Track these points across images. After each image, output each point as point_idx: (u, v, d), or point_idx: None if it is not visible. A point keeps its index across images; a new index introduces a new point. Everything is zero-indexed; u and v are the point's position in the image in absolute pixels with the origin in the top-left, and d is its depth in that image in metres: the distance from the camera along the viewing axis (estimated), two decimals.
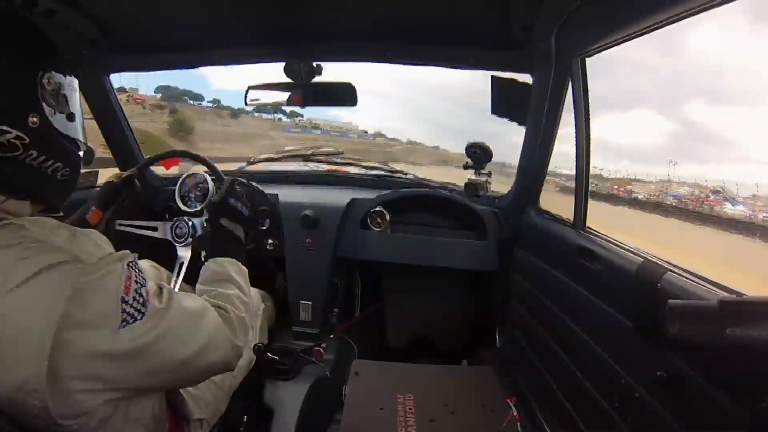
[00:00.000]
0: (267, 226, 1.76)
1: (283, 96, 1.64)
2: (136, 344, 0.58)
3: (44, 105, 0.63)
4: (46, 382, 0.51)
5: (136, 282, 0.60)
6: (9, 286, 0.51)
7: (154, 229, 1.48)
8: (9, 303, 0.51)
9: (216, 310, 0.76)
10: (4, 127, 0.58)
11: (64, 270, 0.54)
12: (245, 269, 0.94)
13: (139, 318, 0.59)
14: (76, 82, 0.71)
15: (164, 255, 1.47)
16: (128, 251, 0.64)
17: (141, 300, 0.60)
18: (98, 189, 1.23)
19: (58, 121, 0.65)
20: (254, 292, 1.52)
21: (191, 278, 1.39)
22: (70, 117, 0.67)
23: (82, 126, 0.71)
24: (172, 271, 1.43)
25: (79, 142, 0.70)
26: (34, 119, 0.61)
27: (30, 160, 0.61)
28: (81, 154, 0.71)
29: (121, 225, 1.45)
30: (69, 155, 0.68)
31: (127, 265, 0.61)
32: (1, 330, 0.51)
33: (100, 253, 0.59)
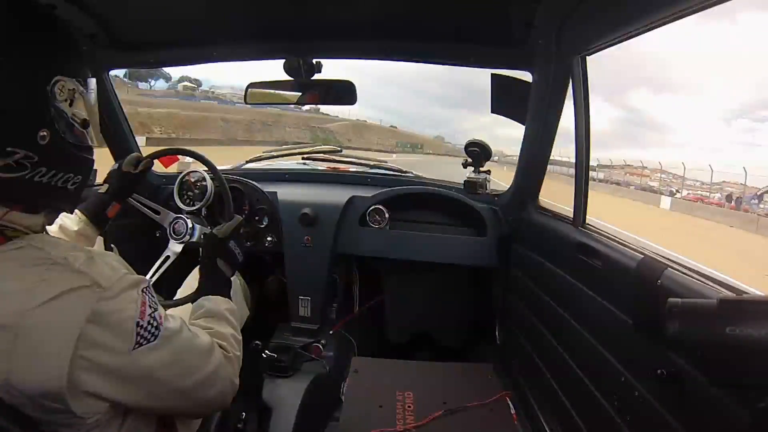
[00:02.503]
0: (265, 224, 1.76)
1: (282, 94, 1.64)
2: (147, 365, 0.60)
3: (56, 117, 0.58)
4: (66, 392, 0.54)
5: (150, 307, 0.62)
6: (33, 304, 0.53)
7: (157, 212, 1.49)
8: (32, 319, 0.53)
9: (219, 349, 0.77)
10: (11, 149, 0.54)
11: (84, 294, 0.55)
12: (236, 308, 0.93)
13: (152, 340, 0.61)
14: (93, 82, 0.66)
15: (153, 243, 1.51)
16: (143, 277, 0.64)
17: (155, 324, 0.62)
18: (111, 180, 1.18)
19: (70, 131, 0.61)
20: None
21: (170, 277, 1.42)
22: (85, 124, 0.63)
23: (97, 127, 0.67)
24: (154, 259, 1.45)
25: (93, 146, 0.66)
26: (44, 134, 0.56)
27: (39, 177, 0.58)
28: (94, 158, 0.67)
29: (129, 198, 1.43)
30: (81, 164, 0.64)
31: (142, 291, 0.62)
32: (24, 343, 0.52)
33: (116, 275, 0.59)
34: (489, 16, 1.27)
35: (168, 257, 1.45)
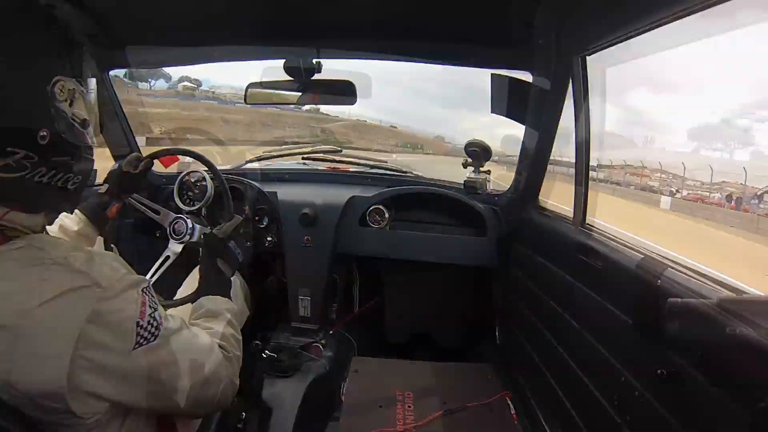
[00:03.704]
0: (265, 224, 1.76)
1: (282, 94, 1.64)
2: (147, 365, 0.61)
3: (56, 117, 0.58)
4: (67, 392, 0.54)
5: (150, 307, 0.62)
6: (33, 304, 0.53)
7: (157, 212, 1.49)
8: (32, 319, 0.53)
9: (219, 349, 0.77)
10: (11, 149, 0.54)
11: (84, 294, 0.56)
12: (236, 308, 0.93)
13: (152, 340, 0.61)
14: (93, 82, 0.66)
15: (153, 243, 1.51)
16: (143, 277, 0.65)
17: (155, 324, 0.62)
18: (111, 180, 1.18)
19: (70, 131, 0.60)
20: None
21: (170, 277, 1.41)
22: (84, 124, 0.63)
23: (97, 127, 0.67)
24: (154, 259, 1.45)
25: (93, 146, 0.66)
26: (44, 134, 0.56)
27: (39, 177, 0.57)
28: (93, 157, 0.67)
29: (129, 198, 1.41)
30: (81, 164, 0.64)
31: (142, 290, 0.62)
32: (24, 343, 0.53)
33: (116, 275, 0.59)
34: (489, 16, 1.27)
35: (168, 257, 1.45)
